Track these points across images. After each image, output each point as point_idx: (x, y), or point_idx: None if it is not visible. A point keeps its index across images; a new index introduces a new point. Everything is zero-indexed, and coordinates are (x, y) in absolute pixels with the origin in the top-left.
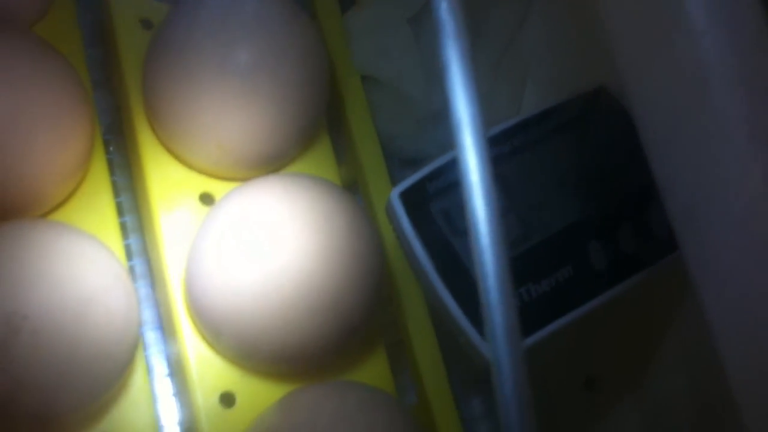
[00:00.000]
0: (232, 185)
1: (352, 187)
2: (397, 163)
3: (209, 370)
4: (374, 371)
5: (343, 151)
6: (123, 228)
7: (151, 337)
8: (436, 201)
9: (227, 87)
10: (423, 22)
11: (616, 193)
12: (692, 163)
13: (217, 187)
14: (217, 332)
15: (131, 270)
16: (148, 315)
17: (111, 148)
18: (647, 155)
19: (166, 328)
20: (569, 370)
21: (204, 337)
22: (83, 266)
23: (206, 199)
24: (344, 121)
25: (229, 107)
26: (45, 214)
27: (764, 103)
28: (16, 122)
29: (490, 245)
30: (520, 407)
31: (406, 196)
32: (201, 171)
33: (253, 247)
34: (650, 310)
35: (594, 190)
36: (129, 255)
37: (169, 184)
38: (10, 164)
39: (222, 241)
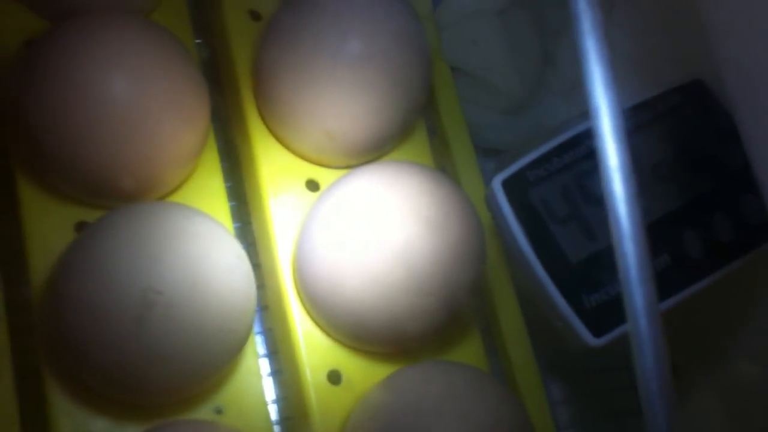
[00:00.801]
0: (335, 172)
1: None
2: (480, 152)
3: (317, 348)
4: (470, 353)
5: (433, 141)
6: (234, 212)
7: (265, 315)
8: (536, 189)
9: (339, 76)
10: (511, 14)
11: (712, 182)
12: None
13: (322, 174)
14: (325, 313)
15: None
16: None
17: (222, 135)
18: (747, 148)
19: (272, 308)
20: None
21: (312, 317)
22: (209, 246)
23: (312, 185)
24: (435, 111)
25: (340, 96)
26: (163, 197)
27: None
28: (144, 105)
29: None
30: (662, 380)
31: (508, 184)
32: (307, 158)
33: (361, 232)
34: (730, 298)
35: (690, 180)
36: (240, 239)
37: (278, 170)
38: (138, 146)
39: (332, 226)
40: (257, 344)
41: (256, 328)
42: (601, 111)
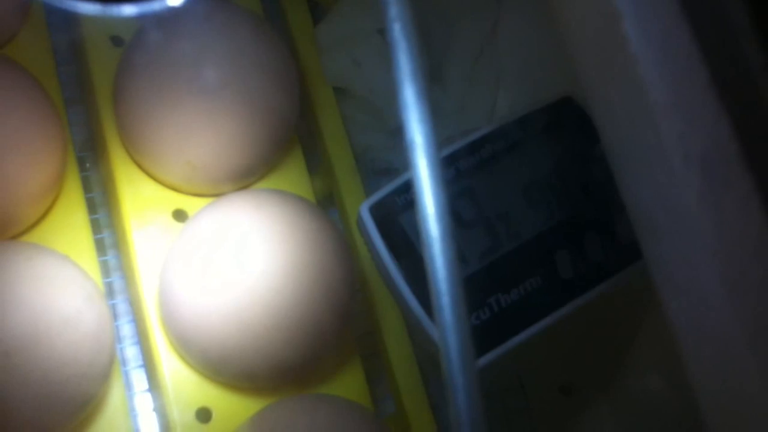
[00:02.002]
0: (205, 201)
1: (326, 199)
2: (372, 173)
3: (185, 386)
4: (350, 383)
5: (317, 163)
6: (101, 244)
7: (131, 352)
8: (406, 214)
9: (195, 105)
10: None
11: (583, 202)
12: (644, 179)
13: (190, 204)
14: (190, 349)
15: (109, 286)
16: (127, 330)
17: (87, 165)
18: (610, 166)
19: (142, 344)
20: (545, 376)
21: (179, 354)
22: (55, 289)
23: (180, 215)
24: (317, 133)
25: (198, 125)
26: (19, 235)
27: (695, 128)
28: None
29: (444, 266)
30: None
31: (376, 210)
32: (173, 188)
33: (223, 265)
34: (621, 313)
35: (561, 200)
36: (107, 271)
37: (142, 202)
38: None
39: (193, 259)
40: (139, 379)
41: (138, 362)
42: (417, 152)
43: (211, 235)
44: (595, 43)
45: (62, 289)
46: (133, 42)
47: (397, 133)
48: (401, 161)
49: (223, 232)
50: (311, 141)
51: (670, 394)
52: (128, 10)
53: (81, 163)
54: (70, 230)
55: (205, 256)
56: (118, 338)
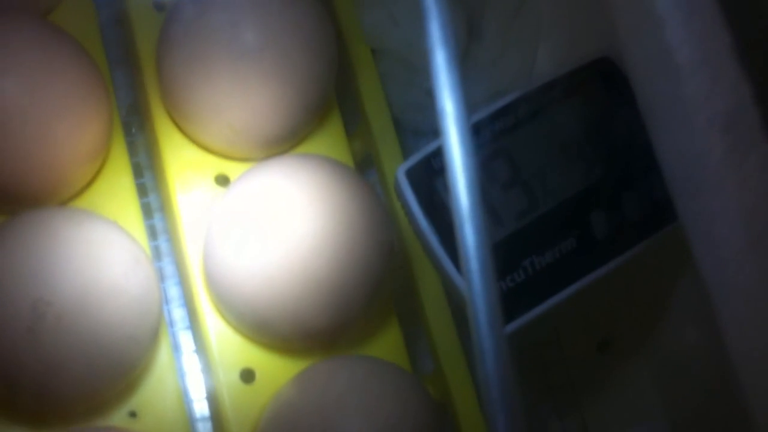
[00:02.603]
0: (246, 166)
1: (365, 160)
2: (410, 133)
3: (229, 347)
4: (388, 343)
5: (356, 124)
6: (147, 207)
7: (178, 314)
8: (441, 177)
9: (234, 69)
10: None
11: (620, 161)
12: (674, 139)
13: (232, 168)
14: (232, 311)
15: (156, 249)
16: (174, 292)
17: (133, 130)
18: (646, 125)
19: (188, 305)
20: (582, 334)
21: (223, 315)
22: (103, 252)
23: (222, 180)
24: (356, 93)
25: (238, 89)
26: (67, 200)
27: (719, 89)
28: (30, 111)
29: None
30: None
31: (412, 173)
32: (216, 152)
33: (264, 228)
34: (659, 269)
35: (598, 160)
36: (153, 234)
37: (185, 166)
38: (27, 153)
39: (235, 223)
40: (186, 340)
41: (185, 323)
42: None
43: (252, 200)
44: (625, 5)
45: (111, 254)
46: (173, 7)
47: (432, 93)
48: (433, 122)
49: (263, 197)
50: (349, 101)
51: (706, 349)
52: None
53: (126, 127)
54: (117, 195)
55: (246, 220)
56: (165, 300)
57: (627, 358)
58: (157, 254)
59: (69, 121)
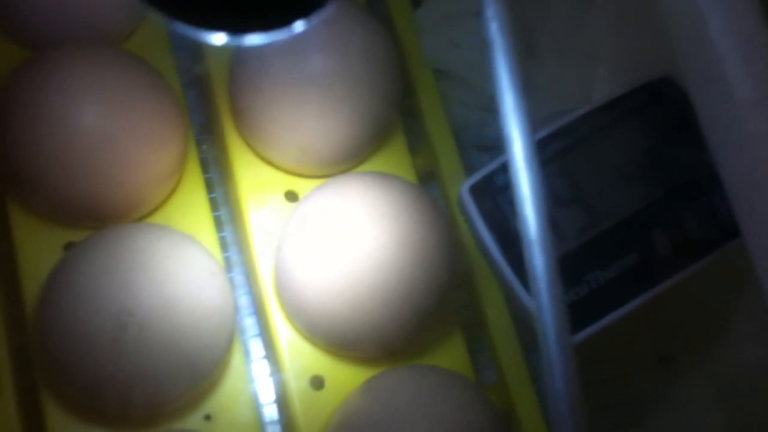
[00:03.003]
0: (314, 183)
1: (428, 176)
2: (472, 150)
3: (299, 355)
4: (452, 354)
5: (419, 141)
6: (219, 221)
7: (249, 322)
8: (504, 193)
9: (304, 93)
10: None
11: (681, 179)
12: (737, 164)
13: (300, 185)
14: (303, 320)
15: (227, 260)
16: (244, 301)
17: (204, 147)
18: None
19: (259, 315)
20: (643, 348)
21: (293, 325)
22: (180, 265)
23: (291, 196)
24: (418, 113)
25: (306, 112)
26: (146, 215)
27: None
28: (112, 135)
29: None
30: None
31: (476, 190)
32: (285, 170)
33: (333, 243)
34: (720, 285)
35: (659, 178)
36: (225, 246)
37: (257, 183)
38: (109, 174)
39: (305, 237)
40: (256, 347)
41: (255, 331)
42: (513, 142)
43: (322, 216)
44: (686, 36)
45: (188, 267)
46: None
47: (494, 110)
48: (492, 139)
49: (332, 214)
50: (412, 120)
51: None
52: (254, 39)
53: (198, 145)
54: (191, 210)
55: (316, 235)
56: (238, 308)
57: (687, 374)
58: (228, 265)
59: (148, 143)
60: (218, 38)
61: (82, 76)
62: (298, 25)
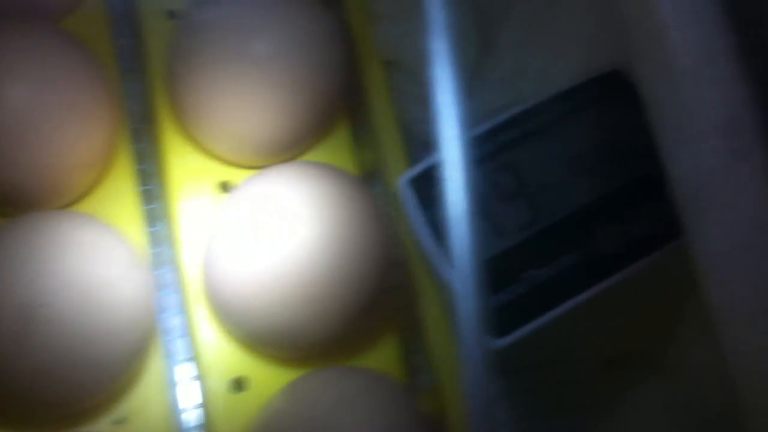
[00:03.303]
0: (251, 173)
1: (373, 171)
2: (420, 146)
3: (222, 355)
4: (385, 356)
5: (365, 135)
6: (153, 214)
7: (177, 321)
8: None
9: (242, 77)
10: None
11: (626, 176)
12: (680, 148)
13: (236, 175)
14: (229, 317)
15: (159, 256)
16: (173, 300)
17: (144, 137)
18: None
19: (185, 313)
20: (589, 351)
21: (219, 323)
22: (96, 256)
23: (226, 186)
24: (366, 105)
25: (244, 96)
26: (69, 204)
27: (719, 96)
28: (35, 115)
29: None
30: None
31: (415, 183)
32: (221, 159)
33: (264, 235)
34: (668, 287)
35: (603, 174)
36: (157, 241)
37: (189, 172)
38: (30, 156)
39: (235, 230)
40: (182, 348)
41: (182, 332)
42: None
43: (253, 207)
44: (635, 14)
45: (104, 256)
46: (185, 14)
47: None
48: None
49: (264, 204)
50: (360, 112)
51: (713, 369)
52: None
53: (138, 135)
54: (118, 200)
55: (246, 227)
56: (163, 308)
57: (635, 377)
58: (159, 261)
59: (72, 126)
60: None
61: (9, 50)
62: None
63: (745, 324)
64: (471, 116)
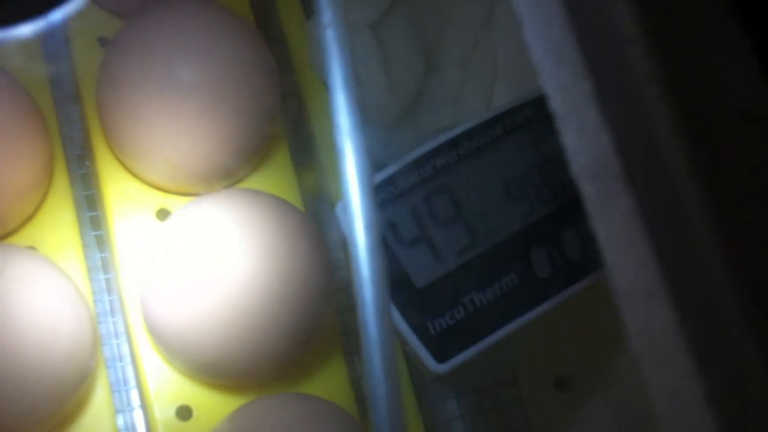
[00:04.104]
0: (188, 200)
1: (317, 195)
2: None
3: (166, 384)
4: (332, 382)
5: (307, 158)
6: (100, 240)
7: (126, 348)
8: (382, 212)
9: (170, 103)
10: (385, 25)
11: (561, 199)
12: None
13: (173, 203)
14: (168, 348)
15: (108, 282)
16: (121, 328)
17: (87, 162)
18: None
19: (130, 342)
20: (540, 370)
21: (160, 352)
22: (27, 288)
23: (163, 214)
24: (307, 128)
25: (172, 124)
26: (4, 236)
27: (584, 140)
28: None
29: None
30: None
31: None
32: (157, 187)
33: (195, 265)
34: (610, 305)
35: (540, 197)
36: (106, 267)
37: (126, 200)
38: None
39: (169, 259)
40: (130, 376)
41: (129, 359)
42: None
43: (184, 236)
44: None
45: (36, 288)
46: (112, 43)
47: (388, 128)
48: (393, 156)
49: (195, 233)
50: (301, 135)
51: None
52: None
53: (81, 160)
54: (57, 230)
55: (179, 256)
56: (114, 334)
57: (585, 396)
58: (108, 288)
59: (2, 157)
60: None
61: None
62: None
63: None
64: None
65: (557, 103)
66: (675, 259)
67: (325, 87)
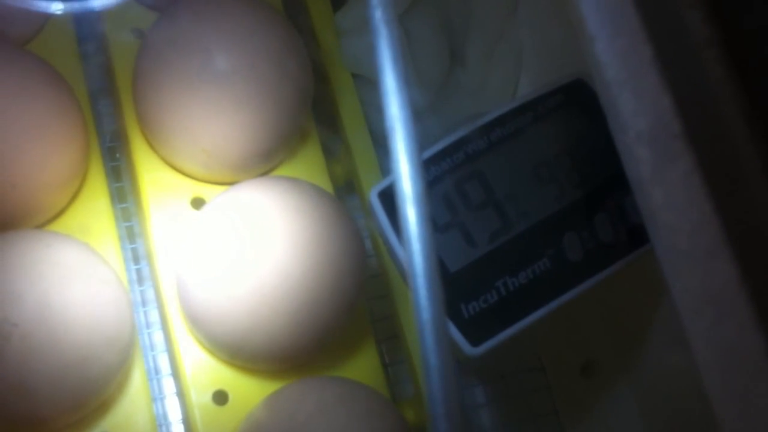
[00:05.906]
0: (222, 189)
1: (347, 184)
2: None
3: (202, 369)
4: (364, 366)
5: (337, 149)
6: (131, 231)
7: (158, 337)
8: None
9: (206, 92)
10: (413, 16)
11: (592, 183)
12: (624, 157)
13: (208, 192)
14: (205, 333)
15: (139, 272)
16: (154, 316)
17: (118, 155)
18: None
19: (165, 329)
20: (566, 357)
21: (196, 338)
22: (69, 274)
23: (198, 203)
24: (337, 118)
25: (209, 113)
26: (44, 224)
27: (643, 104)
28: (5, 134)
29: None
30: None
31: (385, 196)
32: (192, 176)
33: (234, 252)
34: (641, 290)
35: (572, 181)
36: (136, 259)
37: (161, 189)
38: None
39: (206, 246)
40: (165, 363)
41: (164, 346)
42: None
43: (223, 223)
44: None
45: (78, 274)
46: (149, 33)
47: (418, 117)
48: (423, 145)
49: (234, 220)
50: (331, 126)
51: (686, 372)
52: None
53: (112, 153)
54: (93, 219)
55: (217, 243)
56: (146, 323)
57: (611, 382)
58: (139, 278)
59: (41, 146)
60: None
61: None
62: None
63: (694, 317)
64: (434, 130)
65: (614, 71)
66: (735, 218)
67: (353, 78)
